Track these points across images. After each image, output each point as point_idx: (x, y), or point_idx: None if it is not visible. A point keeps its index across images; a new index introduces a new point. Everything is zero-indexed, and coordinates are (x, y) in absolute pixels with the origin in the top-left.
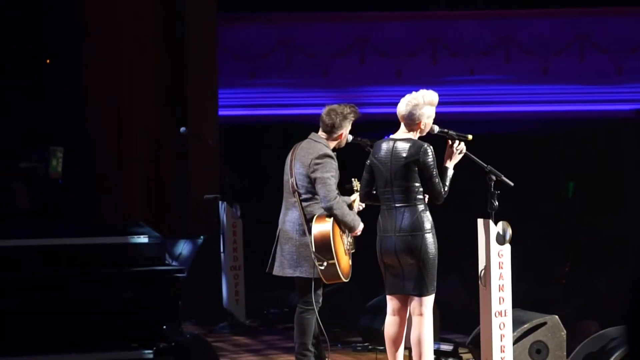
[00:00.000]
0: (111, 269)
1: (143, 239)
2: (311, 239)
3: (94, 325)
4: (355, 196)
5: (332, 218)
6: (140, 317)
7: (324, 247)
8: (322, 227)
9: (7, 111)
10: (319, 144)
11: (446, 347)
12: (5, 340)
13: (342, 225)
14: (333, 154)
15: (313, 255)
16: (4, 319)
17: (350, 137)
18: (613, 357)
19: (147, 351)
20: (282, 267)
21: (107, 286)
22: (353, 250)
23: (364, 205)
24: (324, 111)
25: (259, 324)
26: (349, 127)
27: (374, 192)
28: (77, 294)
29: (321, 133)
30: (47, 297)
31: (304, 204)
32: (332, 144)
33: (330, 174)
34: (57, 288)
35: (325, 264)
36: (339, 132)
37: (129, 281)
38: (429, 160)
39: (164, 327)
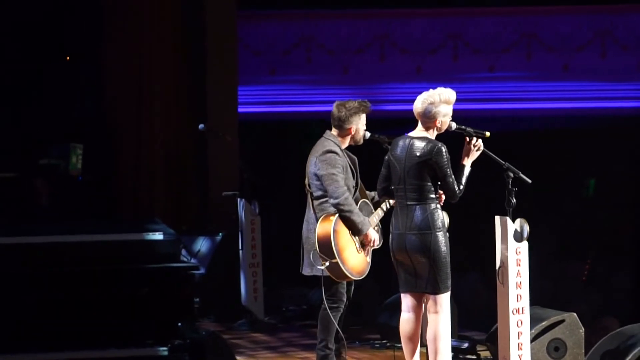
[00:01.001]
0: (126, 265)
1: (158, 236)
2: (315, 239)
3: (109, 321)
4: (376, 215)
5: (336, 217)
6: (155, 313)
7: (326, 246)
8: (324, 226)
9: (27, 109)
10: (328, 140)
11: (459, 344)
12: (20, 336)
13: (349, 224)
14: (338, 150)
15: (317, 255)
16: (19, 316)
17: (368, 134)
18: (631, 355)
19: (162, 348)
20: (304, 266)
21: (122, 283)
22: (377, 246)
23: (383, 212)
24: (333, 106)
25: (278, 321)
26: (361, 122)
27: (391, 187)
28: (92, 291)
29: (333, 130)
30: (61, 294)
31: (315, 202)
32: (345, 141)
33: (336, 169)
34: (72, 285)
35: (327, 263)
36: (348, 127)
37: (144, 278)
38: (443, 160)
39: (179, 324)
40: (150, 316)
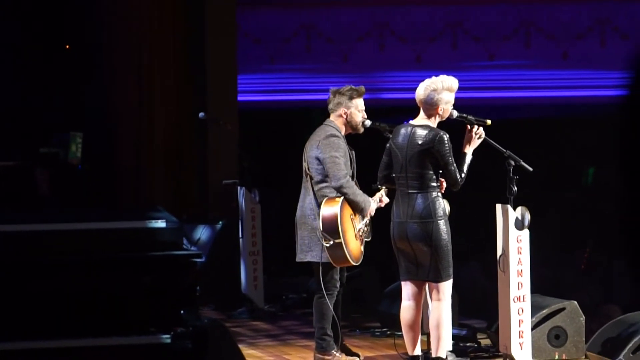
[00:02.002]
0: (128, 253)
1: (160, 224)
2: (319, 220)
3: (111, 309)
4: (378, 195)
5: (341, 200)
6: (157, 301)
7: (331, 227)
8: (330, 208)
9: (26, 98)
10: (328, 126)
11: (460, 332)
12: (23, 324)
13: (353, 206)
14: (340, 135)
15: (320, 234)
16: (22, 304)
17: (369, 122)
18: (632, 342)
19: (164, 336)
20: (298, 252)
21: (124, 271)
22: (368, 238)
23: (383, 204)
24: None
25: (278, 309)
26: (354, 106)
27: (393, 175)
28: (94, 279)
29: (331, 117)
30: (64, 282)
31: (316, 187)
32: (343, 127)
33: (338, 153)
34: (74, 273)
35: (331, 242)
36: (340, 110)
37: (146, 266)
38: (445, 148)
39: (182, 311)
40: (152, 304)
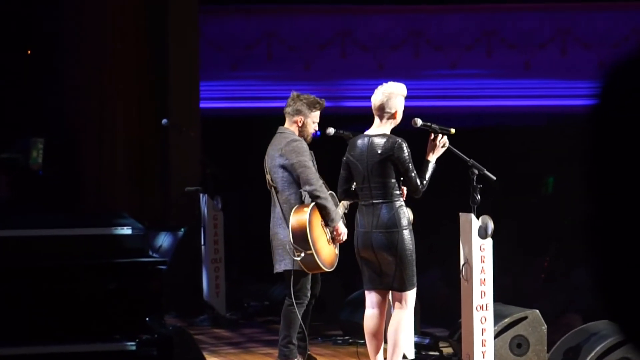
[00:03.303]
0: (94, 260)
1: (126, 230)
2: (289, 230)
3: (76, 316)
4: (341, 209)
5: (310, 208)
6: (123, 308)
7: (301, 237)
8: (299, 217)
9: None
10: (284, 133)
11: (422, 340)
12: None
13: (322, 212)
14: (301, 139)
15: (290, 247)
16: None
17: (332, 130)
18: (594, 352)
19: (129, 343)
20: (274, 263)
21: (90, 277)
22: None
23: (345, 209)
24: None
25: (239, 316)
26: (311, 117)
27: (352, 189)
28: (59, 285)
29: (286, 122)
30: (28, 288)
31: (281, 197)
32: (296, 132)
33: (304, 157)
34: (39, 279)
35: (302, 254)
36: (297, 117)
37: (112, 272)
38: (404, 155)
39: (147, 318)
40: (118, 311)
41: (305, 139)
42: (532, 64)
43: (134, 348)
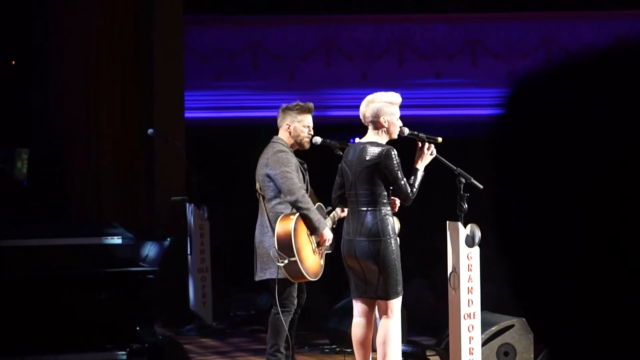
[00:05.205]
0: (84, 269)
1: (117, 240)
2: (274, 238)
3: (67, 326)
4: (333, 215)
5: (296, 217)
6: (113, 318)
7: (286, 244)
8: (285, 225)
9: None
10: (275, 143)
11: (409, 349)
12: None
13: (307, 222)
14: (289, 150)
15: (275, 254)
16: None
17: (319, 140)
18: None
19: (120, 352)
20: (256, 271)
21: (81, 287)
22: (329, 251)
23: (345, 214)
24: None
25: (226, 326)
26: (298, 121)
27: (346, 195)
28: (50, 295)
29: (279, 133)
30: (19, 299)
31: (268, 205)
32: (289, 141)
33: (287, 167)
34: (30, 289)
35: (286, 261)
36: (284, 124)
37: (103, 282)
38: (393, 163)
39: (137, 328)
40: (108, 320)
41: (302, 145)
42: (514, 73)
43: (124, 357)
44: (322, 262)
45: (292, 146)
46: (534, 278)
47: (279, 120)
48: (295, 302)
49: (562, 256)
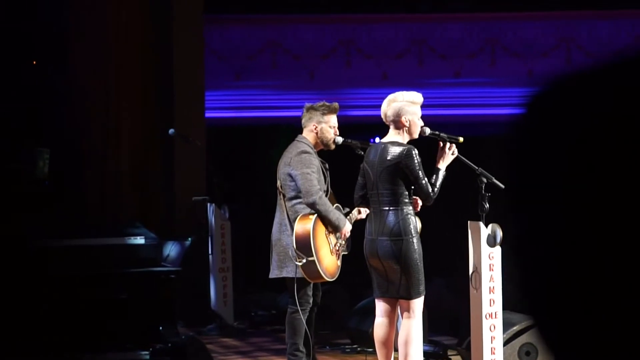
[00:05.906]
0: (108, 269)
1: (139, 240)
2: (293, 237)
3: (91, 326)
4: (353, 215)
5: (315, 216)
6: (136, 317)
7: (304, 244)
8: (304, 225)
9: None
10: (300, 142)
11: (431, 348)
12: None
13: (325, 222)
14: (312, 151)
15: (293, 253)
16: None
17: (341, 139)
18: None
19: (143, 352)
20: (272, 269)
21: (104, 287)
22: (345, 252)
23: (363, 215)
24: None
25: (247, 325)
26: (325, 121)
27: (368, 195)
28: (74, 295)
29: (304, 132)
30: (43, 298)
31: (288, 204)
32: (314, 141)
33: (309, 169)
34: (54, 289)
35: (304, 260)
36: (311, 125)
37: (126, 282)
38: (414, 163)
39: (160, 327)
40: (131, 320)
41: (328, 146)
42: (535, 71)
43: (147, 357)
44: (339, 262)
45: (316, 146)
46: (542, 281)
47: (304, 120)
48: (311, 301)
49: (574, 261)
